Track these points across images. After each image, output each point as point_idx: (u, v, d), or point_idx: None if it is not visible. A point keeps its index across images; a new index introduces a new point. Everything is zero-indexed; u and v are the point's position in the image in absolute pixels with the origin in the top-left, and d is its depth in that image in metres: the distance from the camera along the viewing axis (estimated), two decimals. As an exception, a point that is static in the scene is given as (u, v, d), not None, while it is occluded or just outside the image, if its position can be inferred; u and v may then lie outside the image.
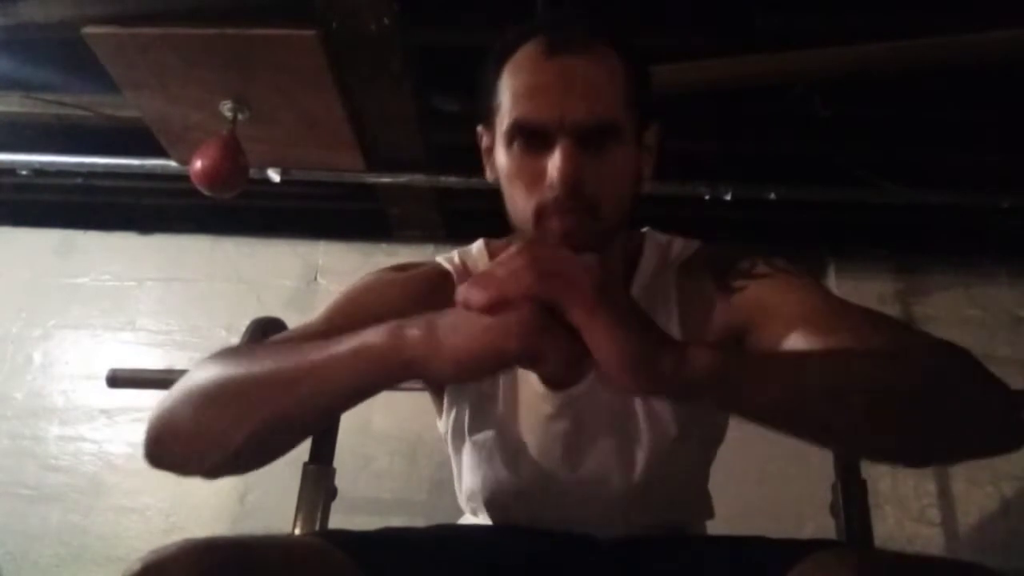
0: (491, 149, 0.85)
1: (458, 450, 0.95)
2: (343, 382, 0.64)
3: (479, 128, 0.89)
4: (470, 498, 0.96)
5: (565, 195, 0.75)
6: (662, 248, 0.92)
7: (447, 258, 0.95)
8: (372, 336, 0.63)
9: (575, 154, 0.75)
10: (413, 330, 0.61)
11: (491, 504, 0.91)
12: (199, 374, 0.69)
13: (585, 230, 0.76)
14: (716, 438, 0.94)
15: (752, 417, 0.61)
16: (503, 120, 0.79)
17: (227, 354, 0.72)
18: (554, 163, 0.75)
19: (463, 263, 0.94)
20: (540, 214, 0.77)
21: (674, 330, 0.84)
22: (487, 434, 0.89)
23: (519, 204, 0.80)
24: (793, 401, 0.60)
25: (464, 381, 0.67)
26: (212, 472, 0.70)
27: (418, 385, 1.03)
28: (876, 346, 0.67)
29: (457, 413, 0.92)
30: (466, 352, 0.58)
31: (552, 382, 0.66)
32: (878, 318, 0.74)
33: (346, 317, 0.81)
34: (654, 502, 0.89)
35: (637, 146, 0.82)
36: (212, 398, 0.67)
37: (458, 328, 0.59)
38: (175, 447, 0.69)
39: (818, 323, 0.73)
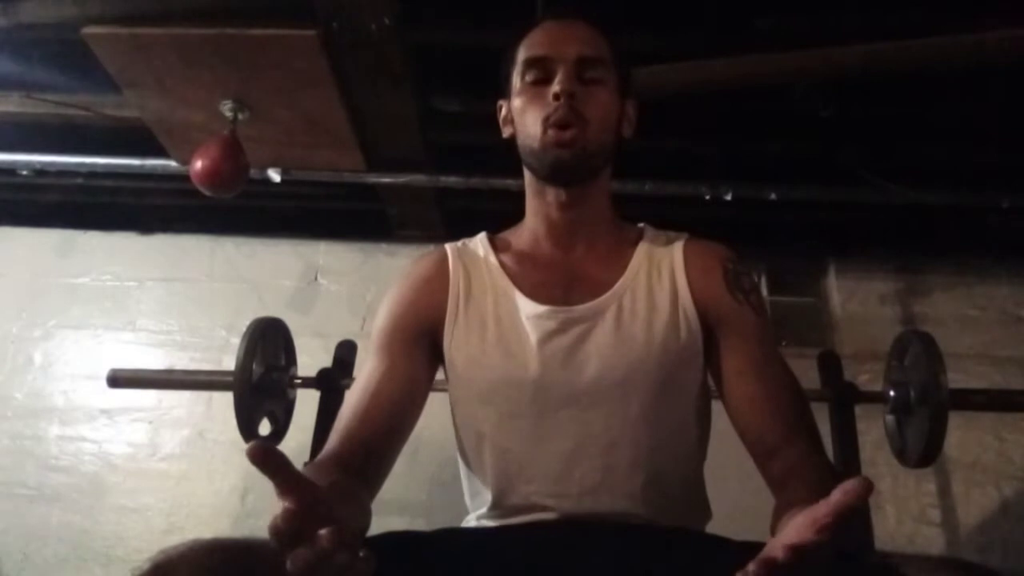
0: (507, 116, 1.05)
1: (463, 416, 1.02)
2: None
3: (499, 102, 1.08)
4: (475, 453, 1.01)
5: (563, 102, 0.94)
6: (662, 233, 1.08)
7: (452, 244, 1.09)
8: None
9: (571, 75, 0.97)
10: None
11: (495, 445, 0.97)
12: None
13: (577, 140, 0.95)
14: (701, 406, 1.02)
15: None
16: (518, 71, 1.01)
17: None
18: (554, 83, 0.96)
19: (463, 246, 1.09)
20: (544, 124, 0.96)
21: (681, 287, 1.00)
22: (491, 367, 0.98)
23: (528, 123, 0.98)
24: None
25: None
26: None
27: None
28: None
29: (460, 366, 1.01)
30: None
31: None
32: (795, 394, 0.96)
33: (397, 339, 1.01)
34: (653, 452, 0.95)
35: (619, 100, 1.02)
36: None
37: None
38: None
39: (758, 370, 0.96)
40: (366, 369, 1.00)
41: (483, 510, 0.99)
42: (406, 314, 1.03)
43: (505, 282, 1.02)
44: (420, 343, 1.01)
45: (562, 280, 1.01)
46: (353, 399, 0.98)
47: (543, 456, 0.94)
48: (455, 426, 1.05)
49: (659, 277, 1.01)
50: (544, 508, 0.94)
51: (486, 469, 0.99)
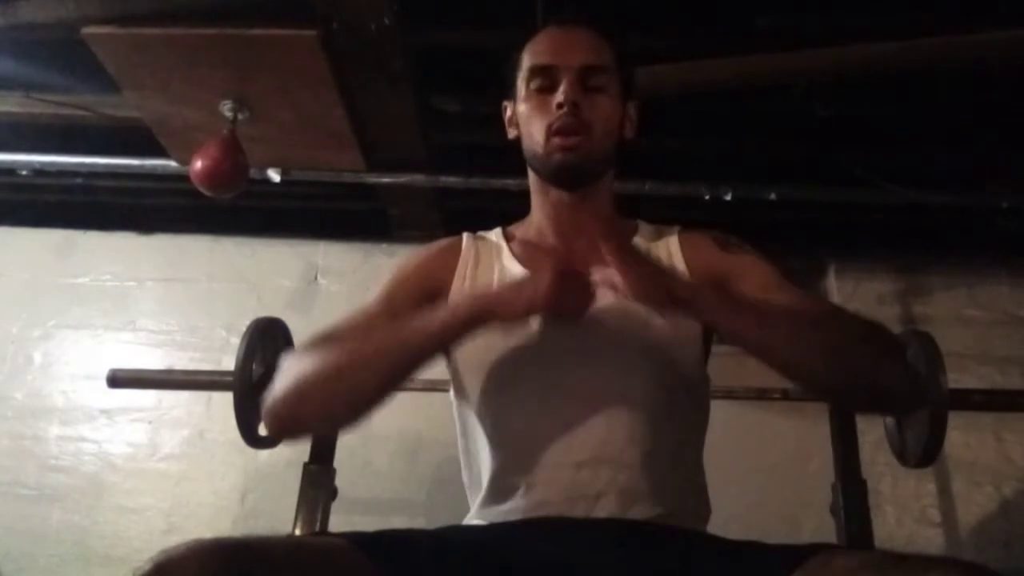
0: (512, 118, 1.10)
1: (464, 394, 1.03)
2: (434, 342, 0.90)
3: (504, 103, 1.12)
4: (475, 450, 1.01)
5: (567, 111, 0.98)
6: (656, 226, 1.14)
7: (469, 233, 1.15)
8: (458, 305, 0.92)
9: (575, 84, 1.00)
10: (489, 294, 0.93)
11: (496, 425, 0.98)
12: (312, 360, 0.92)
13: (582, 146, 1.00)
14: (700, 401, 1.06)
15: (731, 335, 0.87)
16: (523, 77, 1.05)
17: (332, 341, 0.94)
18: (558, 92, 1.00)
19: (479, 235, 1.15)
20: (548, 132, 1.00)
21: (680, 268, 1.04)
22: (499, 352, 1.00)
23: (534, 130, 1.02)
24: (762, 327, 0.86)
25: (522, 317, 0.89)
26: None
27: (418, 386, 1.06)
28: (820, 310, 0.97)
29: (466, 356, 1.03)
30: (525, 301, 0.86)
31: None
32: (818, 297, 1.01)
33: (401, 290, 1.06)
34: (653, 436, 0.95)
35: (621, 105, 1.06)
36: (331, 378, 0.90)
37: (514, 288, 0.90)
38: (306, 416, 0.94)
39: (775, 291, 0.98)
40: (362, 307, 1.04)
41: (482, 494, 0.99)
42: (415, 274, 1.09)
43: (511, 259, 1.08)
44: (421, 304, 1.04)
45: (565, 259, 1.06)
46: (341, 320, 1.01)
47: (542, 426, 0.95)
48: (456, 409, 1.06)
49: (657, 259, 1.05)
50: (542, 482, 0.93)
51: (485, 446, 0.98)
